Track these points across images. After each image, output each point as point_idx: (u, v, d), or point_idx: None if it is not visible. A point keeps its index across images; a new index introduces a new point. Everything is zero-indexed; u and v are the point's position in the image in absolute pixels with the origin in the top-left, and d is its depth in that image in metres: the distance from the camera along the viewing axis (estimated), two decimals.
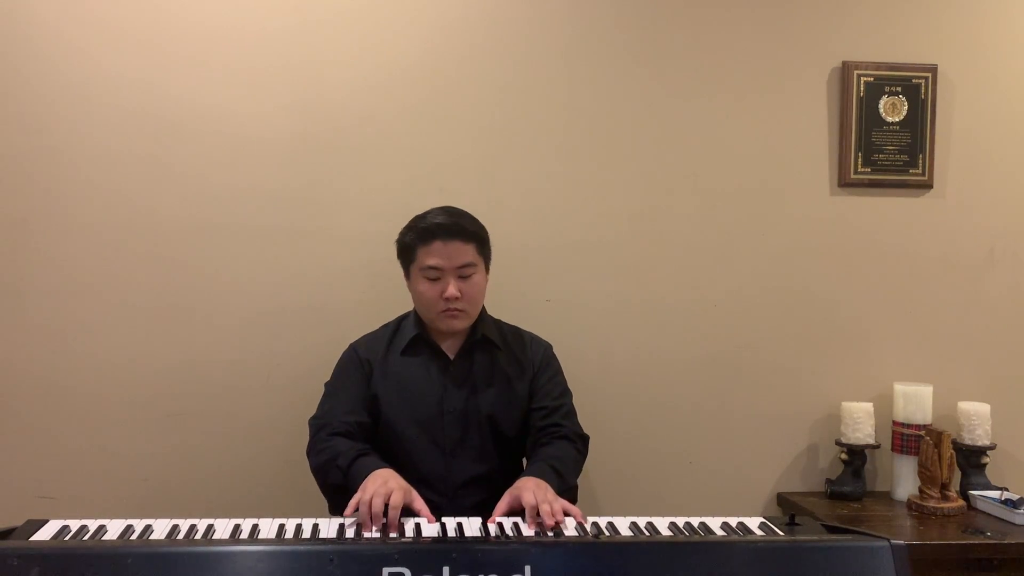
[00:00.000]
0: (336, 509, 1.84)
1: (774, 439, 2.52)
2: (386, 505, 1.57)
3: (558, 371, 2.07)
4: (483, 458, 1.95)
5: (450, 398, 1.95)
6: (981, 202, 2.56)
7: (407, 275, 1.98)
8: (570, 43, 2.42)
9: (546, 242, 2.43)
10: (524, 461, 2.01)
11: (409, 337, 1.98)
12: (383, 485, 1.60)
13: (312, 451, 1.89)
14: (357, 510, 1.57)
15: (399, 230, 1.96)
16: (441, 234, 1.88)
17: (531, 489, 1.63)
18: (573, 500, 1.87)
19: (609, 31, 2.43)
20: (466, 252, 1.90)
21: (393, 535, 1.53)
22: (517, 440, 2.01)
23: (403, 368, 1.97)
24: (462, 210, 1.97)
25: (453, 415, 1.95)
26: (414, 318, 2.01)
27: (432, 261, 1.88)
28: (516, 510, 1.64)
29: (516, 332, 2.08)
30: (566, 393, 2.05)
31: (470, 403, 1.96)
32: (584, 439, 2.01)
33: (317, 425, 1.92)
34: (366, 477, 1.66)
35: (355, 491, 1.63)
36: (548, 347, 2.09)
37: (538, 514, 1.57)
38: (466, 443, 1.95)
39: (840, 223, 2.52)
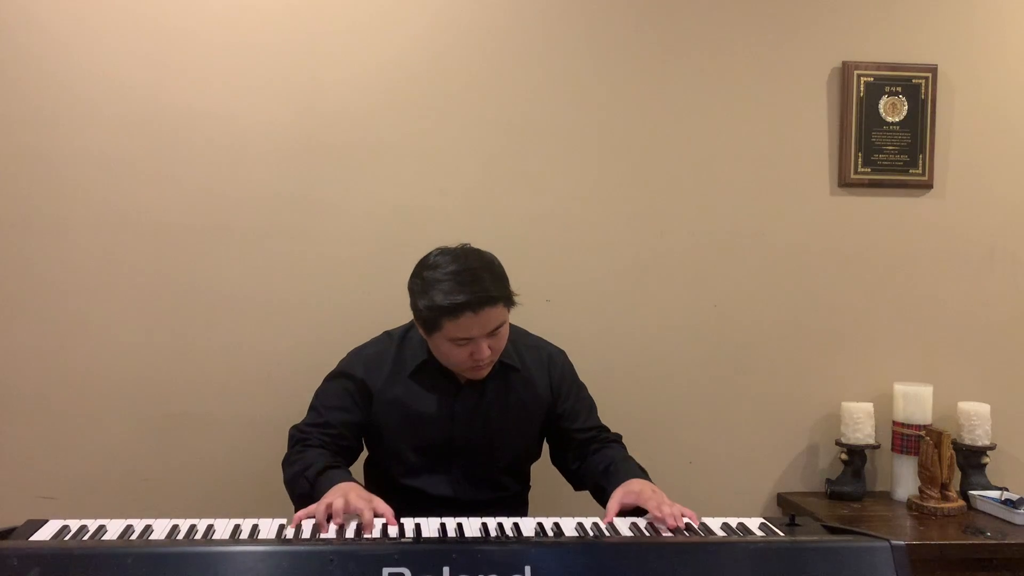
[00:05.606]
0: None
1: (774, 439, 2.52)
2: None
3: (580, 385, 2.00)
4: (491, 485, 1.90)
5: (459, 427, 1.87)
6: (981, 202, 2.55)
7: (426, 334, 1.79)
8: (570, 44, 2.42)
9: (546, 242, 2.43)
10: (570, 478, 1.99)
11: (417, 361, 1.86)
12: (342, 496, 1.56)
13: (286, 462, 1.83)
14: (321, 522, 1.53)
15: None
16: (471, 308, 1.69)
17: (648, 494, 1.68)
18: None
19: (609, 32, 2.43)
20: (497, 315, 1.73)
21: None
22: (528, 465, 1.98)
23: (408, 393, 1.86)
24: (478, 263, 1.75)
25: (461, 445, 1.87)
26: (421, 337, 1.85)
27: (464, 334, 1.72)
28: (628, 510, 1.68)
29: (531, 346, 1.97)
30: (593, 407, 2.01)
31: (480, 433, 1.87)
32: (621, 440, 2.00)
33: (296, 438, 1.86)
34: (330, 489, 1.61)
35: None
36: (564, 360, 2.00)
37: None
38: (475, 471, 1.88)
39: (840, 223, 2.52)
